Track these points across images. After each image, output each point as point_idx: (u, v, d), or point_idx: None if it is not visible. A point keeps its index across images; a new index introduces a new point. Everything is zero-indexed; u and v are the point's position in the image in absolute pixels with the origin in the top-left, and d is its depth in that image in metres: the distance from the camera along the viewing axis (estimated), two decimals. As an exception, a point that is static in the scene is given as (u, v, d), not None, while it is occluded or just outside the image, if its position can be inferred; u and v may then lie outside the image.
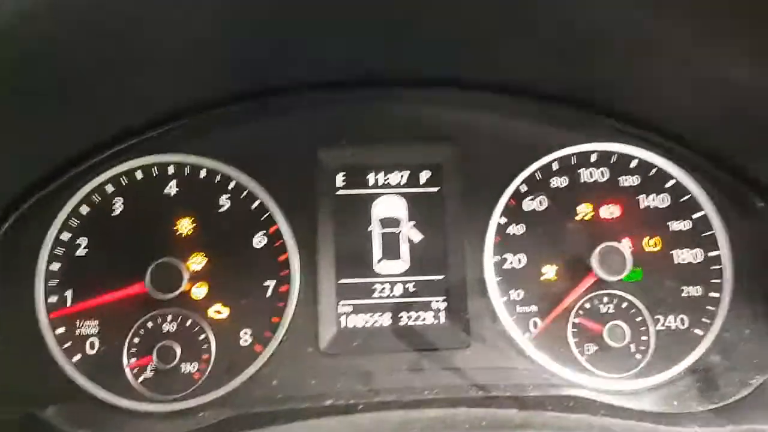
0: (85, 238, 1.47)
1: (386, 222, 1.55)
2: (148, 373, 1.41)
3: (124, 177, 1.50)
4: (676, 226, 1.54)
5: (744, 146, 1.49)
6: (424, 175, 1.57)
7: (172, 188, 1.51)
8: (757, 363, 1.42)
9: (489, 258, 1.51)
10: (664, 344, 1.48)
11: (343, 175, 1.55)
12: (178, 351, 1.41)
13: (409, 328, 1.49)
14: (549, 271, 1.52)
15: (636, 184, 1.56)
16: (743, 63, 1.25)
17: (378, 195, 1.55)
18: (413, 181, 1.57)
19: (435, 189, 1.56)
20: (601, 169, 1.57)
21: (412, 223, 1.54)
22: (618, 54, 1.36)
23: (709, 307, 1.50)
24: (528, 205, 1.55)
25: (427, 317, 1.50)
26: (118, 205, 1.49)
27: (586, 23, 1.26)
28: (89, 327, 1.42)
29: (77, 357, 1.42)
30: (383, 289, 1.51)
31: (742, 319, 1.47)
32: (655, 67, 1.35)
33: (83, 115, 1.35)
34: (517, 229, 1.54)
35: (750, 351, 1.45)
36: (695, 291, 1.51)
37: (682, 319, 1.49)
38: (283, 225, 1.50)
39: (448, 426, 1.10)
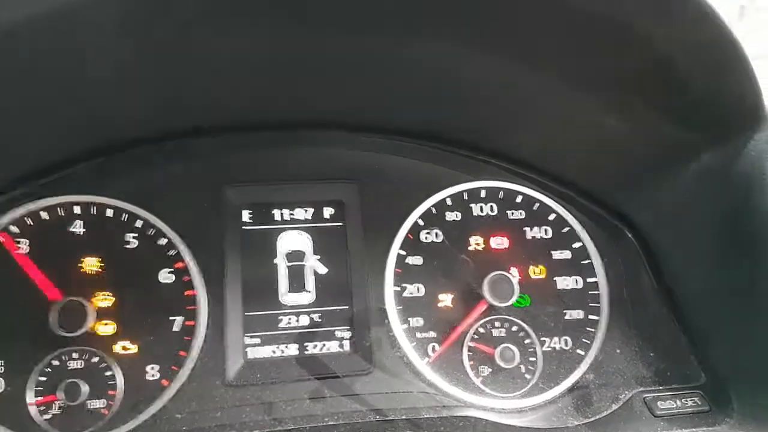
0: None
1: (292, 255, 1.60)
2: (56, 410, 1.40)
3: (28, 218, 1.50)
4: (558, 255, 1.66)
5: (612, 185, 1.64)
6: (328, 211, 1.64)
7: (78, 228, 1.51)
8: (625, 380, 1.54)
9: (390, 288, 1.59)
10: (551, 364, 1.58)
11: (249, 212, 1.60)
12: (85, 388, 1.41)
13: (313, 357, 1.53)
14: (445, 299, 1.60)
15: (522, 217, 1.68)
16: (608, 114, 1.40)
17: (283, 230, 1.61)
18: (317, 216, 1.63)
19: (338, 224, 1.63)
20: (490, 204, 1.68)
21: (317, 256, 1.61)
22: (500, 106, 1.49)
23: (590, 329, 1.61)
24: (425, 237, 1.64)
25: (332, 346, 1.56)
26: (24, 246, 1.48)
27: (467, 78, 1.38)
28: (-7, 367, 1.41)
29: (-20, 397, 1.39)
30: (289, 320, 1.56)
31: (614, 340, 1.60)
32: (531, 117, 1.49)
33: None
34: (415, 260, 1.62)
35: (619, 369, 1.57)
36: (577, 314, 1.62)
37: (565, 341, 1.60)
38: (189, 261, 1.52)
39: (344, 451, 1.15)
